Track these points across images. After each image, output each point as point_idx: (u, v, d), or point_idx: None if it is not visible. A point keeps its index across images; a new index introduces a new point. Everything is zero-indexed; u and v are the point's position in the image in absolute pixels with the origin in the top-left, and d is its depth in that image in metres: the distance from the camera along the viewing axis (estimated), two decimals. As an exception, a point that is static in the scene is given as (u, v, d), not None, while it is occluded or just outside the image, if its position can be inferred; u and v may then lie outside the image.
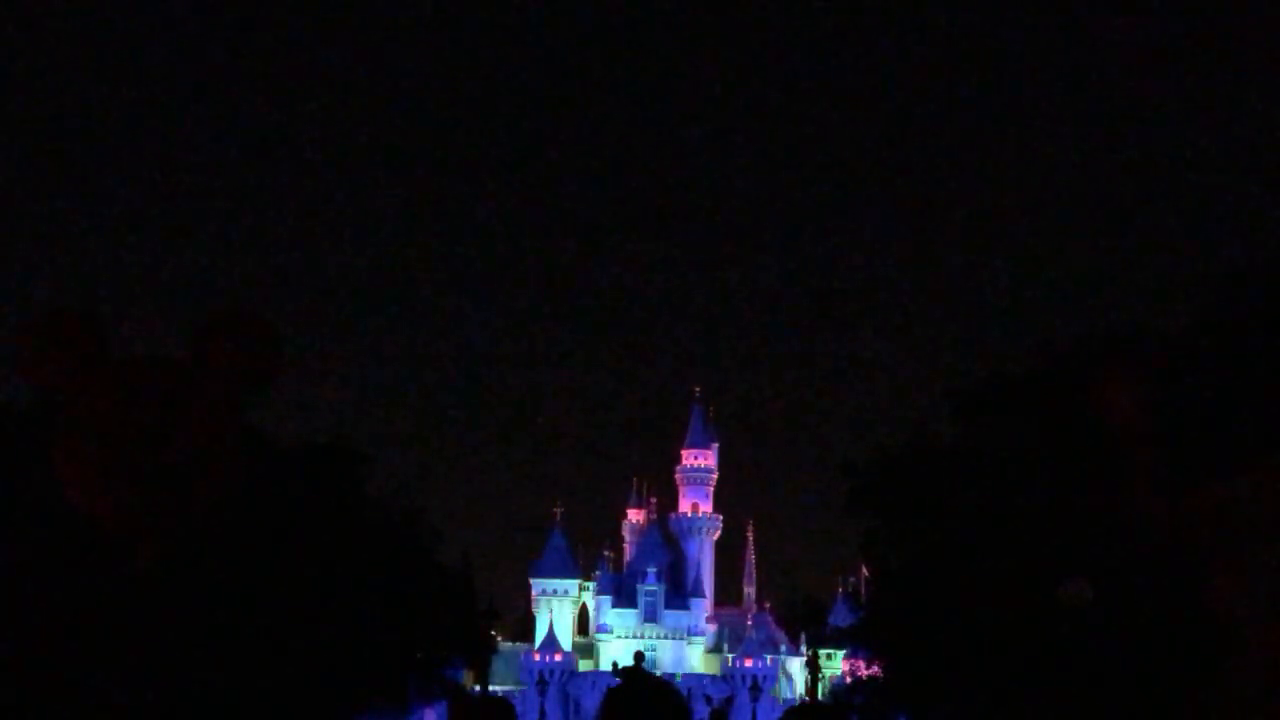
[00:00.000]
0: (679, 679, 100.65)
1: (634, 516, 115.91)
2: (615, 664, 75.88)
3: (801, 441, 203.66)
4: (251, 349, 7.21)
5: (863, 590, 58.01)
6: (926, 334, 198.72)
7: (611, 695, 6.28)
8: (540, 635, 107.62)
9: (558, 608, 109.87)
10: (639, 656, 67.40)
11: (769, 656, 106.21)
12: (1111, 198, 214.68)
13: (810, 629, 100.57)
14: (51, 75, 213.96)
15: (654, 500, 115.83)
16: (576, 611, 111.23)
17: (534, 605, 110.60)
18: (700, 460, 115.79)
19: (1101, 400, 7.69)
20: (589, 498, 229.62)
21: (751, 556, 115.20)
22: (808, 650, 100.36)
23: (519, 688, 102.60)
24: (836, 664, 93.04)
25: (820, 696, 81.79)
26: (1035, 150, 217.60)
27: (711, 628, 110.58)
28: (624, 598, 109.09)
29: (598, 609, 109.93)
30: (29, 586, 25.68)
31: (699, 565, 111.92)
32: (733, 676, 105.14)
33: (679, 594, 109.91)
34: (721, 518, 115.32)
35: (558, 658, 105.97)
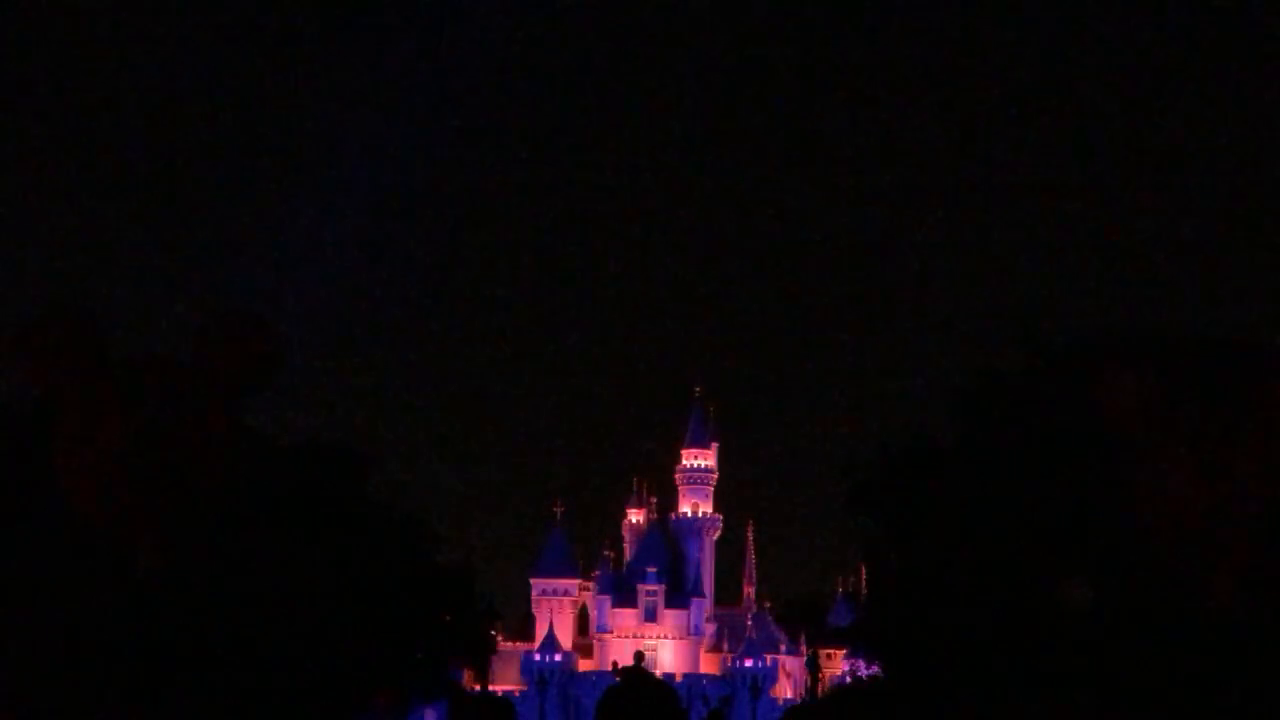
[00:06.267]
0: (679, 679, 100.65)
1: (634, 516, 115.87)
2: (615, 664, 75.93)
3: (801, 441, 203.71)
4: (251, 349, 7.21)
5: (863, 590, 57.97)
6: (927, 334, 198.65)
7: (608, 695, 6.31)
8: (540, 635, 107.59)
9: (558, 608, 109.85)
10: (639, 656, 67.34)
11: (769, 656, 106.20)
12: (1111, 197, 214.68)
13: (810, 629, 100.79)
14: (52, 74, 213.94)
15: (654, 500, 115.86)
16: (576, 611, 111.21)
17: (534, 605, 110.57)
18: (700, 460, 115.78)
19: (1103, 399, 7.68)
20: (589, 498, 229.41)
21: (751, 556, 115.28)
22: (808, 650, 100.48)
23: (519, 688, 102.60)
24: (836, 664, 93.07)
25: (820, 696, 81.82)
26: (1036, 150, 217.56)
27: (711, 628, 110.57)
28: (624, 598, 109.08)
29: (598, 609, 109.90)
30: (29, 588, 25.68)
31: (699, 565, 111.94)
32: (733, 676, 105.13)
33: (679, 594, 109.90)
34: (721, 518, 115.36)
35: (558, 658, 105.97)
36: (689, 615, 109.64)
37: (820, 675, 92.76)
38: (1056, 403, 26.87)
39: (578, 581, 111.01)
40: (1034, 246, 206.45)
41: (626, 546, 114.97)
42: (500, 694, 76.13)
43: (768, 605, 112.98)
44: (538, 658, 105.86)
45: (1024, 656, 27.34)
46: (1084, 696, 25.36)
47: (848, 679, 57.74)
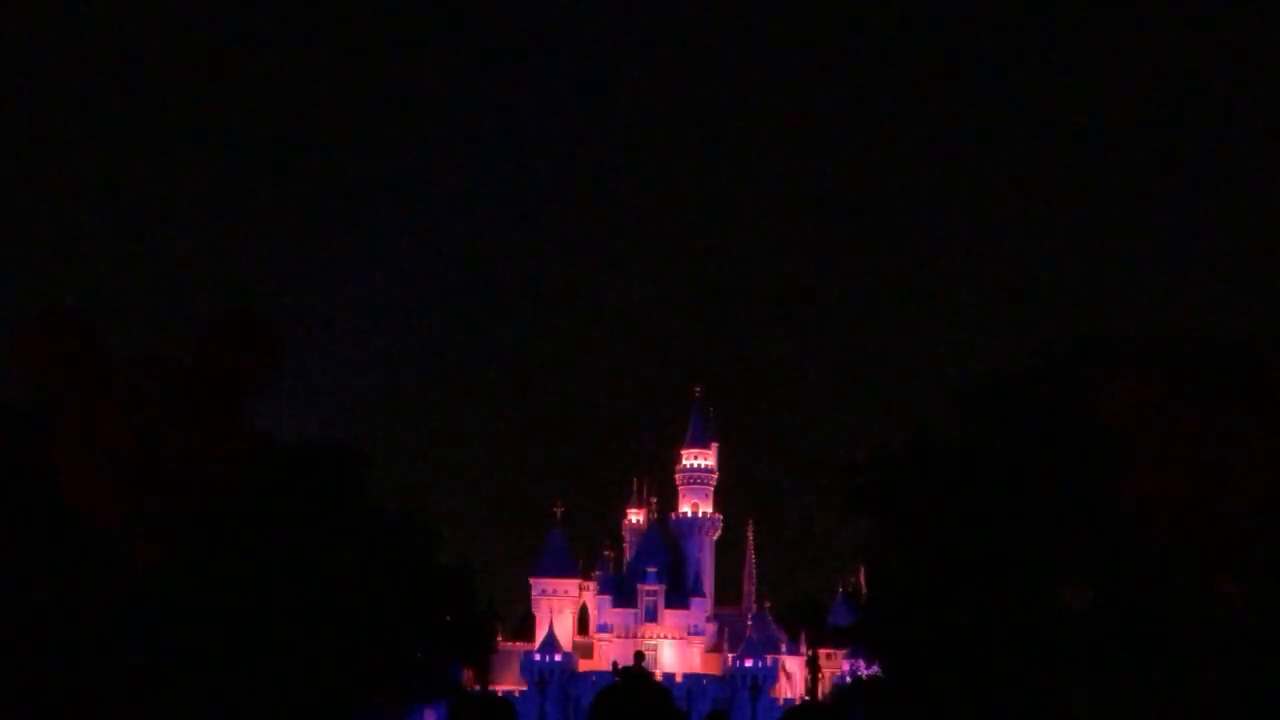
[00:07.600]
0: (679, 679, 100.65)
1: (634, 516, 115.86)
2: (615, 664, 75.89)
3: (801, 441, 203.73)
4: (252, 351, 7.22)
5: (863, 590, 57.99)
6: (926, 334, 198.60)
7: (602, 695, 6.32)
8: (540, 635, 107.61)
9: (558, 608, 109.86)
10: (639, 656, 67.37)
11: (769, 656, 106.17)
12: (1112, 198, 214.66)
13: (810, 629, 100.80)
14: (52, 74, 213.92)
15: (654, 500, 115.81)
16: (576, 611, 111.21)
17: (534, 605, 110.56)
18: (700, 460, 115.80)
19: (1102, 400, 7.68)
20: (589, 498, 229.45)
21: (751, 556, 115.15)
22: (808, 650, 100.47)
23: (519, 688, 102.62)
24: (836, 664, 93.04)
25: (820, 696, 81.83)
26: (1035, 150, 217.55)
27: (711, 628, 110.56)
28: (624, 598, 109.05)
29: (598, 609, 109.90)
30: (29, 586, 25.68)
31: (699, 565, 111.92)
32: (733, 676, 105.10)
33: (679, 594, 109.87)
34: (721, 518, 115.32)
35: (558, 658, 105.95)
36: (689, 615, 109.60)
37: (820, 675, 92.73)
38: (1056, 403, 26.88)
39: (578, 581, 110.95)
40: (1035, 247, 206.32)
41: (626, 546, 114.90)
42: (500, 694, 76.13)
43: (768, 605, 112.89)
44: (538, 658, 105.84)
45: (1024, 656, 27.35)
46: (1084, 695, 25.37)
47: (848, 679, 57.73)
